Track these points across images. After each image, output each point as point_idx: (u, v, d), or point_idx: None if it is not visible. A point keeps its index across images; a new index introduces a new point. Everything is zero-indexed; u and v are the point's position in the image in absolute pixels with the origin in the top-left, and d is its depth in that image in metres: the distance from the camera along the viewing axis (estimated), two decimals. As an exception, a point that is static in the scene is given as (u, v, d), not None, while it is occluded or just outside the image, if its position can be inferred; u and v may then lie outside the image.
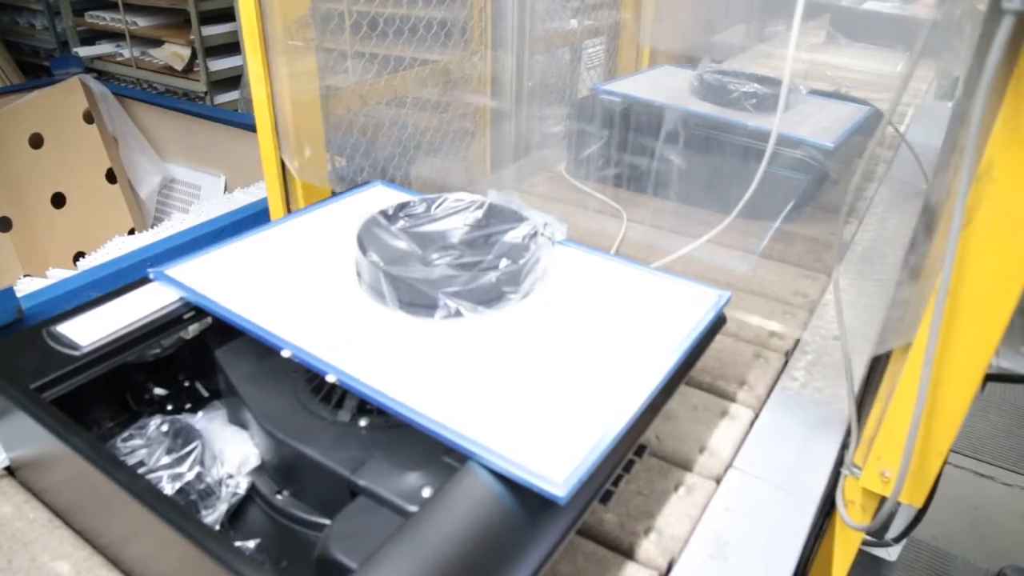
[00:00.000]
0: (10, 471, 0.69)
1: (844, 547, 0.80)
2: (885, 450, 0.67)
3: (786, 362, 0.89)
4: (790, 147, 1.19)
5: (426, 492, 0.54)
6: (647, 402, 0.59)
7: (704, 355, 0.70)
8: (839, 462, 0.75)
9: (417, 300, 0.66)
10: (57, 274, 1.55)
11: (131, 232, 2.42)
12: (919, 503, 0.68)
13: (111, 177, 2.53)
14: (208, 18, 3.06)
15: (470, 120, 1.67)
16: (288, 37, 1.05)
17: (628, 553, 0.64)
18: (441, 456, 0.56)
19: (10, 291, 1.18)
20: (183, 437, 0.63)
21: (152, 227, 2.04)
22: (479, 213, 0.77)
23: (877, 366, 0.75)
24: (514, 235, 0.72)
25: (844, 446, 0.76)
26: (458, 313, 0.65)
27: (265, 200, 1.36)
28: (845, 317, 0.98)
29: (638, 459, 0.70)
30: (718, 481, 0.72)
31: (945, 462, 0.67)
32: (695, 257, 1.13)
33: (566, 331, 0.66)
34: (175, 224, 1.78)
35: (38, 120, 2.51)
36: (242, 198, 2.02)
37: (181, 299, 0.70)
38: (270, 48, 1.06)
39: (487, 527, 0.50)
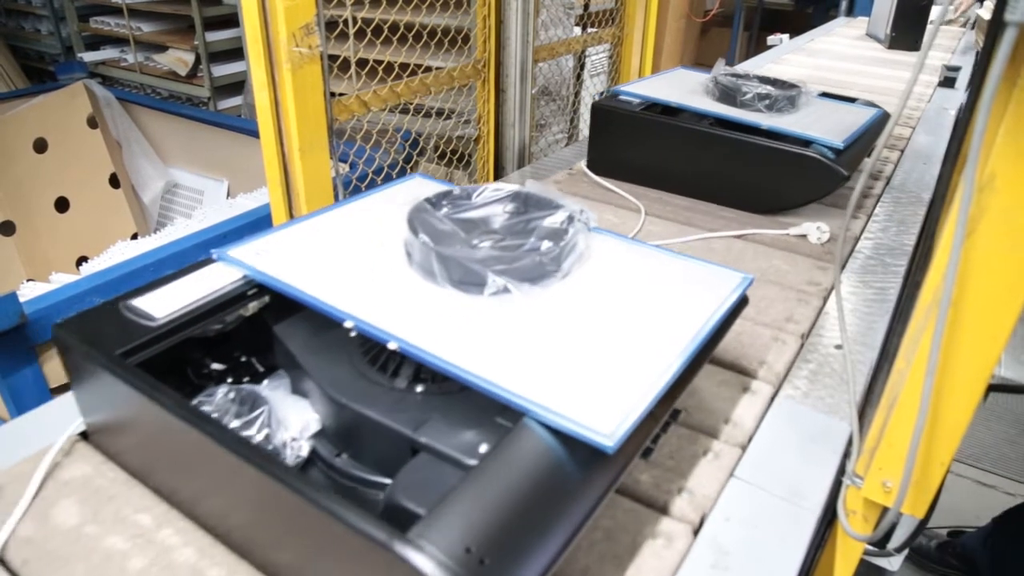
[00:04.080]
0: (84, 436, 0.73)
1: (845, 557, 0.80)
2: (887, 461, 0.67)
3: (802, 345, 0.95)
4: (802, 146, 1.24)
5: (483, 448, 0.58)
6: (682, 367, 0.63)
7: (726, 337, 0.75)
8: (841, 472, 0.75)
9: (467, 278, 0.70)
10: (60, 279, 1.56)
11: (134, 237, 2.42)
12: (921, 514, 0.68)
13: (114, 182, 2.54)
14: (212, 24, 3.08)
15: (474, 126, 1.67)
16: (292, 44, 1.05)
17: (663, 509, 0.69)
18: (494, 417, 0.61)
19: (13, 296, 1.18)
20: (249, 404, 0.67)
21: (155, 232, 2.05)
22: (517, 201, 0.82)
23: (879, 375, 0.75)
24: (552, 220, 0.77)
25: (846, 456, 0.76)
26: (505, 289, 0.69)
27: (268, 206, 1.37)
28: (847, 325, 0.98)
29: (673, 422, 0.77)
30: (743, 448, 0.77)
31: (947, 472, 0.66)
32: (712, 248, 1.18)
33: (604, 307, 0.71)
34: (178, 229, 1.79)
35: (42, 125, 2.52)
36: (245, 203, 2.03)
37: (243, 278, 0.74)
38: (274, 55, 1.07)
39: (542, 477, 0.54)
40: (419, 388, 0.66)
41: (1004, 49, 0.46)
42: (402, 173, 1.55)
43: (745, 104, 1.35)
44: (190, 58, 3.18)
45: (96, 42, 3.61)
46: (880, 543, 0.81)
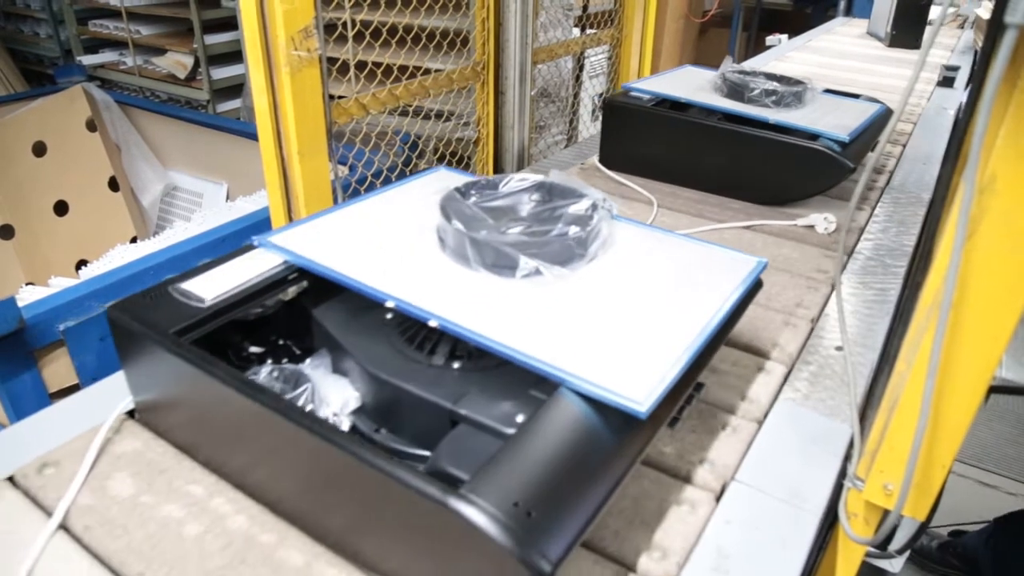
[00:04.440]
0: (130, 415, 0.78)
1: (847, 560, 0.80)
2: (888, 463, 0.67)
3: (812, 329, 0.99)
4: (809, 139, 1.28)
5: (519, 418, 0.61)
6: (705, 342, 0.68)
7: (740, 322, 0.79)
8: (842, 474, 0.75)
9: (500, 261, 0.75)
10: (59, 283, 1.56)
11: (133, 240, 2.42)
12: (922, 516, 0.68)
13: (113, 185, 2.54)
14: (210, 27, 3.08)
15: (473, 128, 1.67)
16: (291, 48, 1.05)
17: (686, 479, 0.73)
18: (528, 390, 0.64)
19: (11, 301, 1.18)
20: (293, 382, 0.70)
21: (154, 235, 2.05)
22: (542, 190, 0.86)
23: (880, 377, 0.75)
24: (577, 208, 0.81)
25: (847, 458, 0.75)
26: (537, 272, 0.74)
27: (267, 208, 1.37)
28: (848, 327, 0.98)
29: (696, 395, 0.80)
30: (759, 423, 0.81)
31: (949, 474, 0.66)
32: (723, 239, 1.20)
33: (629, 287, 0.75)
34: (177, 233, 1.78)
35: (41, 128, 2.52)
36: (244, 206, 2.02)
37: (283, 263, 0.78)
38: (272, 59, 1.06)
39: (579, 440, 0.58)
40: (456, 365, 0.69)
41: (1004, 51, 0.46)
42: (401, 176, 1.55)
43: (753, 100, 1.39)
44: (189, 61, 3.17)
45: (95, 45, 3.61)
46: (882, 545, 0.81)
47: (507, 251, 0.74)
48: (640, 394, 0.59)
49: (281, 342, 0.80)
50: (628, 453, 0.60)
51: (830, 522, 0.79)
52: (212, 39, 3.10)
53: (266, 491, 0.67)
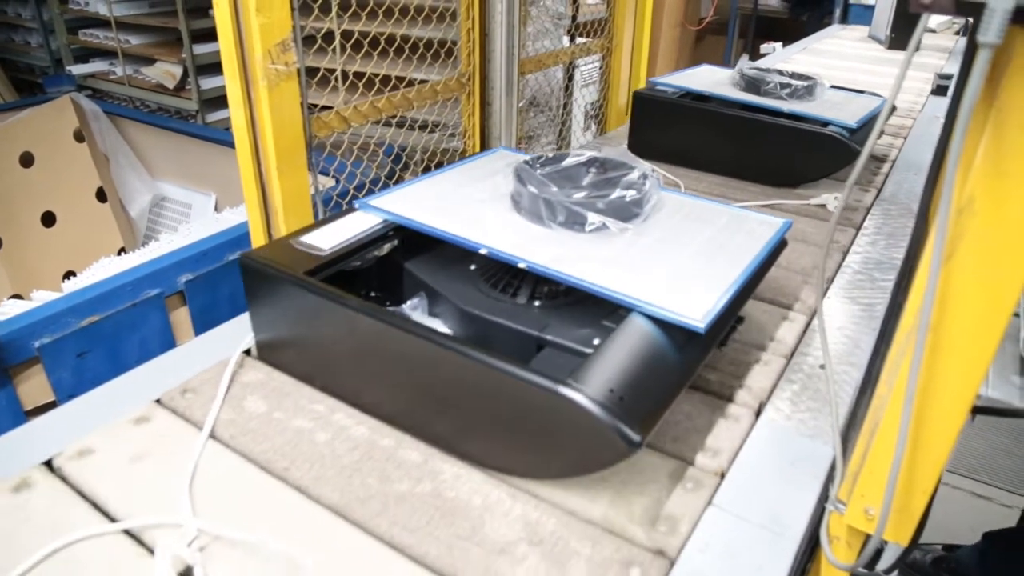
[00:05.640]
0: (247, 354, 0.91)
1: (830, 584, 0.78)
2: (869, 487, 0.65)
3: (826, 289, 1.12)
4: (821, 127, 1.42)
5: (596, 341, 0.74)
6: (745, 279, 0.81)
7: (765, 280, 0.93)
8: (825, 497, 0.73)
9: (571, 218, 0.87)
10: (41, 296, 1.54)
11: (121, 251, 2.40)
12: (905, 541, 0.66)
13: (101, 196, 2.52)
14: (199, 37, 3.06)
15: (459, 140, 1.66)
16: (268, 61, 1.04)
17: (729, 398, 0.87)
18: (601, 321, 0.77)
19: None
20: None
21: (143, 245, 2.03)
22: (597, 163, 0.99)
23: (863, 397, 0.73)
24: (630, 177, 0.94)
25: (830, 480, 0.74)
26: (603, 226, 0.87)
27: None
28: (830, 344, 0.97)
29: (739, 325, 0.96)
30: (787, 359, 0.94)
31: (933, 498, 0.65)
32: None
33: (680, 238, 0.88)
34: (162, 245, 1.77)
35: (29, 139, 2.50)
36: (231, 217, 2.01)
37: (382, 223, 0.92)
38: (249, 73, 1.05)
39: (652, 350, 0.71)
40: (536, 303, 0.83)
41: (977, 71, 0.45)
42: (385, 188, 1.53)
43: (768, 93, 1.54)
44: (178, 71, 3.16)
45: (85, 55, 3.59)
46: (869, 564, 0.79)
47: (577, 209, 0.87)
48: (698, 314, 0.72)
49: (373, 294, 0.92)
50: (691, 359, 0.74)
51: (813, 544, 0.77)
52: (200, 49, 3.09)
53: (382, 407, 0.80)
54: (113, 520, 0.68)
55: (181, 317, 1.50)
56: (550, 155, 0.99)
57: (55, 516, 0.68)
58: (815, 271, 1.15)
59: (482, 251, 0.82)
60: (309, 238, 0.88)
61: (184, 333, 1.50)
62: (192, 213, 2.58)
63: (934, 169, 0.63)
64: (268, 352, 0.89)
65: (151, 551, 0.64)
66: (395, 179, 1.67)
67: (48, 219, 2.49)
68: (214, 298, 1.54)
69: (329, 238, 0.88)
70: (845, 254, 1.24)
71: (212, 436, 0.78)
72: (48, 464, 0.74)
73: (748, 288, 0.82)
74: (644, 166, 0.96)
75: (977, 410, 0.92)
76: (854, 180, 0.68)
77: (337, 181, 1.45)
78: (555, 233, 0.87)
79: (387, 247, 0.91)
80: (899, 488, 0.62)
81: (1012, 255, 0.52)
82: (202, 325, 1.52)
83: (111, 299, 1.33)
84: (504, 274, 0.85)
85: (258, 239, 1.16)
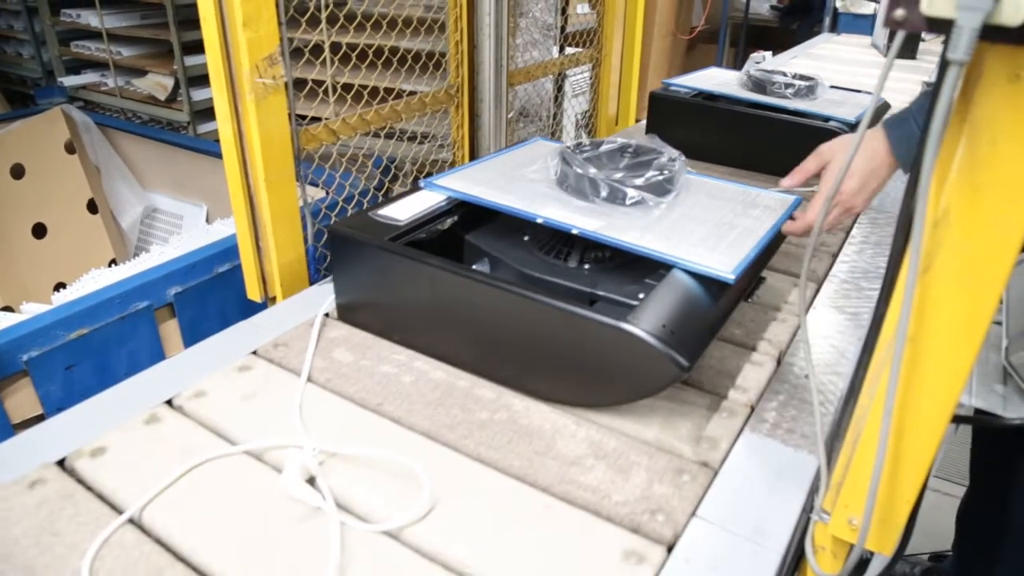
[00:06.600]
0: (326, 316, 1.04)
1: (816, 594, 0.78)
2: (852, 497, 0.66)
3: (833, 261, 1.27)
4: (823, 122, 1.56)
5: (641, 295, 0.87)
6: (765, 242, 0.94)
7: (777, 254, 1.09)
8: (809, 506, 0.73)
9: (613, 194, 0.99)
10: (31, 309, 1.53)
11: (113, 262, 2.40)
12: (888, 551, 0.66)
13: (92, 207, 2.52)
14: (191, 49, 3.06)
15: (448, 151, 1.66)
16: (256, 75, 1.04)
17: (753, 348, 1.00)
18: (644, 279, 0.90)
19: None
20: None
21: (134, 257, 2.03)
22: (630, 149, 1.10)
23: (848, 407, 0.74)
24: (661, 160, 1.06)
25: (815, 490, 0.74)
26: (642, 200, 0.99)
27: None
28: (814, 355, 0.97)
29: (761, 283, 1.06)
30: (799, 317, 1.06)
31: (917, 508, 0.65)
32: None
33: (708, 211, 1.02)
34: (152, 257, 1.76)
35: (20, 150, 2.50)
36: (222, 229, 2.00)
37: (445, 199, 1.06)
38: (237, 87, 1.05)
39: (693, 296, 0.84)
40: (586, 266, 0.96)
41: (947, 88, 0.45)
42: (374, 200, 1.53)
43: (774, 92, 1.69)
44: (169, 83, 3.15)
45: (77, 66, 3.59)
46: (856, 572, 0.79)
47: (618, 186, 0.99)
48: (728, 268, 0.86)
49: None
50: (724, 306, 0.88)
51: (798, 555, 0.77)
52: (192, 60, 3.08)
53: (458, 354, 0.93)
54: (235, 445, 0.80)
55: (170, 330, 1.50)
56: (587, 143, 1.11)
57: (183, 442, 0.80)
58: (823, 247, 1.30)
59: (539, 220, 0.95)
60: (386, 211, 1.02)
61: (173, 346, 1.50)
62: (183, 224, 2.57)
63: (911, 182, 0.63)
64: (348, 312, 1.03)
65: (274, 468, 0.76)
66: (384, 191, 1.68)
67: (39, 231, 2.48)
68: (203, 310, 1.54)
69: (403, 211, 1.02)
70: (834, 257, 1.28)
71: (310, 379, 0.91)
72: (169, 403, 0.87)
73: (767, 252, 0.96)
74: (672, 151, 1.08)
75: (960, 419, 0.92)
76: (846, 166, 0.69)
77: (326, 193, 1.45)
78: (599, 207, 0.99)
79: (449, 221, 1.05)
80: (881, 498, 0.62)
81: (988, 266, 0.53)
82: (191, 338, 1.51)
83: (99, 312, 1.32)
84: (556, 242, 0.98)
85: (246, 251, 1.16)
